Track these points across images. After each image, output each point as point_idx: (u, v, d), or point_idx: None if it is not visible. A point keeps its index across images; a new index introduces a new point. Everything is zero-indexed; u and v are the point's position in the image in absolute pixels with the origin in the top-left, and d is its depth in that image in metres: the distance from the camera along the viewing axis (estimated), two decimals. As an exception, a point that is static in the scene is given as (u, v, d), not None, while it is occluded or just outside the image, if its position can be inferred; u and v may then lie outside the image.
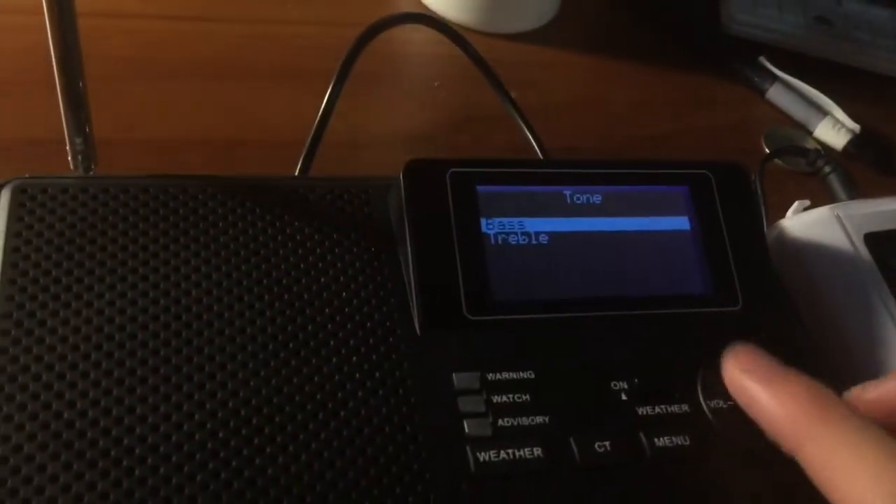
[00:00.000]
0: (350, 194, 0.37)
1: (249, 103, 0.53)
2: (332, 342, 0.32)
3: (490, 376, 0.32)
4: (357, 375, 0.31)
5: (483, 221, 0.35)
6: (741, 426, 0.32)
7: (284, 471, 0.28)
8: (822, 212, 0.42)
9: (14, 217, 0.33)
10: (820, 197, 0.46)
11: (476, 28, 0.62)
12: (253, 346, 0.31)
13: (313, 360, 0.31)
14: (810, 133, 0.61)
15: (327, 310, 0.33)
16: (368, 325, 0.33)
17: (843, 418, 0.27)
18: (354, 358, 0.32)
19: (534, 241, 0.35)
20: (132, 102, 0.51)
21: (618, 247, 0.36)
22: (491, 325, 0.33)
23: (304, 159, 0.45)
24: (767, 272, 0.37)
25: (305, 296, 0.33)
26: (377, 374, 0.31)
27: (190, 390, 0.30)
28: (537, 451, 0.30)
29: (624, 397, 0.33)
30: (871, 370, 0.37)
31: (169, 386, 0.30)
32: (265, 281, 0.33)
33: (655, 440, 0.32)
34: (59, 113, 0.36)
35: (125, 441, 0.28)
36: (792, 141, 0.60)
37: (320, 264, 0.34)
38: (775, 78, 0.63)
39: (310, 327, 0.32)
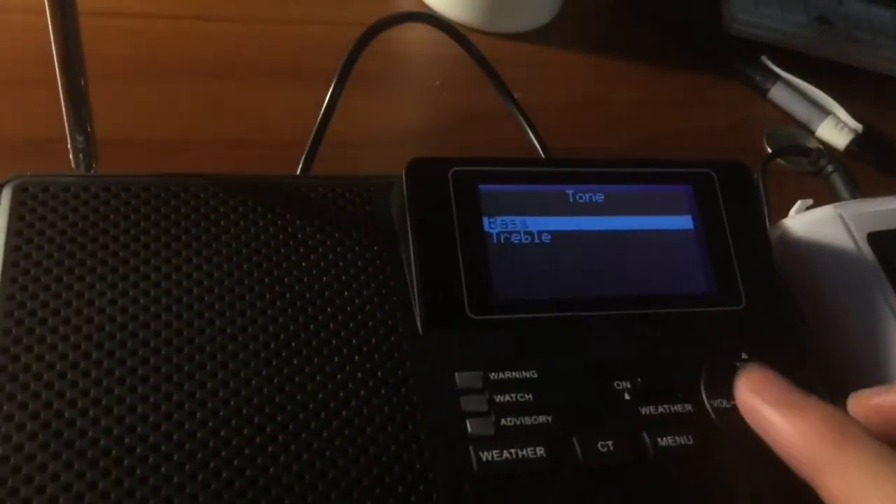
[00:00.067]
0: (352, 193, 0.36)
1: (251, 103, 0.53)
2: (334, 341, 0.32)
3: (493, 376, 0.32)
4: (359, 374, 0.31)
5: (485, 220, 0.35)
6: (744, 426, 0.32)
7: (286, 470, 0.28)
8: (825, 211, 0.42)
9: (15, 215, 0.32)
10: (822, 196, 0.46)
11: (477, 27, 0.62)
12: (255, 345, 0.31)
13: (315, 359, 0.31)
14: (812, 133, 0.61)
15: (329, 309, 0.33)
16: (370, 324, 0.33)
17: (861, 445, 0.26)
18: (356, 357, 0.32)
19: (536, 241, 0.35)
20: (133, 102, 0.50)
21: (620, 246, 0.36)
22: (493, 325, 0.33)
23: (305, 159, 0.45)
24: (771, 271, 0.37)
25: (307, 295, 0.33)
26: (379, 373, 0.31)
27: (192, 389, 0.29)
28: (540, 451, 0.30)
29: (627, 397, 0.33)
30: (874, 369, 0.37)
31: (170, 384, 0.29)
32: (267, 280, 0.33)
33: (658, 440, 0.32)
34: (61, 111, 0.36)
35: (126, 440, 0.28)
36: (794, 140, 0.60)
37: (322, 263, 0.34)
38: (777, 77, 0.63)
39: (312, 326, 0.32)
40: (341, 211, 0.36)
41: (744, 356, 0.35)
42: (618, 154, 0.55)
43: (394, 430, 0.30)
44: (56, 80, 0.35)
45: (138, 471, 0.27)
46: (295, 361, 0.31)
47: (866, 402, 0.31)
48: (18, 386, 0.28)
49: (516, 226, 0.35)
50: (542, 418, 0.31)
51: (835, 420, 0.28)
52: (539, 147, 0.49)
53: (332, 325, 0.32)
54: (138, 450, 0.28)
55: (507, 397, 0.32)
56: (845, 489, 0.26)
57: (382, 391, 0.31)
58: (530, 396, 0.32)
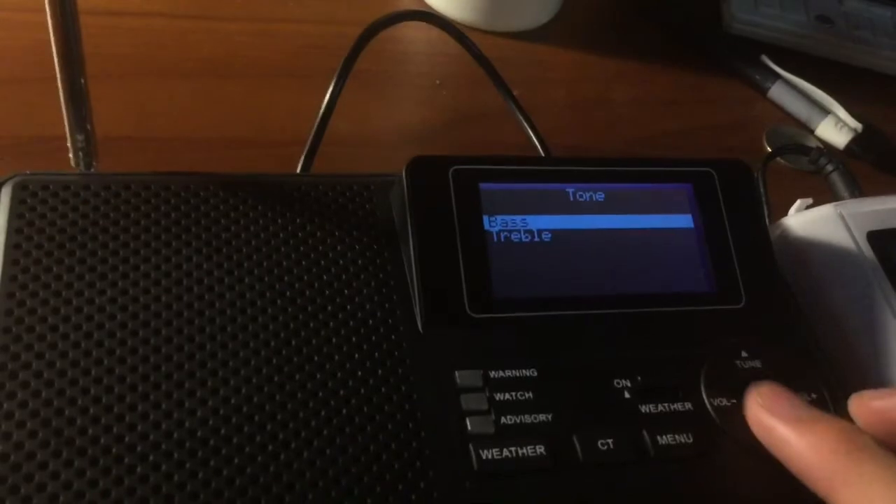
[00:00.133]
0: (352, 192, 0.36)
1: (251, 101, 0.53)
2: (334, 339, 0.32)
3: (493, 374, 0.32)
4: (359, 373, 0.31)
5: (486, 219, 0.35)
6: (744, 424, 0.32)
7: (287, 468, 0.28)
8: (825, 210, 0.42)
9: (15, 213, 0.32)
10: (822, 195, 0.46)
11: (477, 26, 0.62)
12: (255, 343, 0.31)
13: (316, 358, 0.31)
14: (812, 132, 0.61)
15: (330, 307, 0.33)
16: (371, 322, 0.33)
17: (873, 457, 0.26)
18: (357, 355, 0.32)
19: (536, 239, 0.35)
20: (133, 100, 0.50)
21: (621, 244, 0.36)
22: (493, 323, 0.33)
23: (305, 157, 0.45)
24: (771, 270, 0.37)
25: (308, 293, 0.33)
26: (380, 372, 0.31)
27: (192, 387, 0.29)
28: (540, 449, 0.30)
29: (627, 395, 0.33)
30: (874, 368, 0.37)
31: (171, 382, 0.29)
32: (267, 278, 0.33)
33: (658, 438, 0.32)
34: (61, 110, 0.36)
35: (127, 438, 0.28)
36: (794, 139, 0.60)
37: (322, 261, 0.34)
38: (777, 76, 0.63)
39: (312, 324, 0.32)
40: (342, 209, 0.36)
41: (744, 354, 0.35)
42: (618, 153, 0.55)
43: (394, 428, 0.30)
44: (56, 78, 0.35)
45: (139, 469, 0.27)
46: (295, 359, 0.31)
47: (868, 405, 0.31)
48: (18, 384, 0.28)
49: (517, 224, 0.35)
50: (542, 417, 0.31)
51: (846, 433, 0.27)
52: (539, 146, 0.49)
53: (332, 323, 0.32)
54: (139, 448, 0.28)
55: (508, 396, 0.32)
56: (859, 502, 0.26)
57: (383, 389, 0.31)
58: (530, 395, 0.32)
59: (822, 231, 0.41)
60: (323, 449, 0.29)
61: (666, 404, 0.33)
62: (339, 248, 0.34)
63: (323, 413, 0.30)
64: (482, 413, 0.31)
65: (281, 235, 0.34)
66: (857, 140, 0.59)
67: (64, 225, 0.32)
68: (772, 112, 0.63)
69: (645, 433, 0.32)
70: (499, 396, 0.31)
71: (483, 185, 0.35)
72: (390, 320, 0.33)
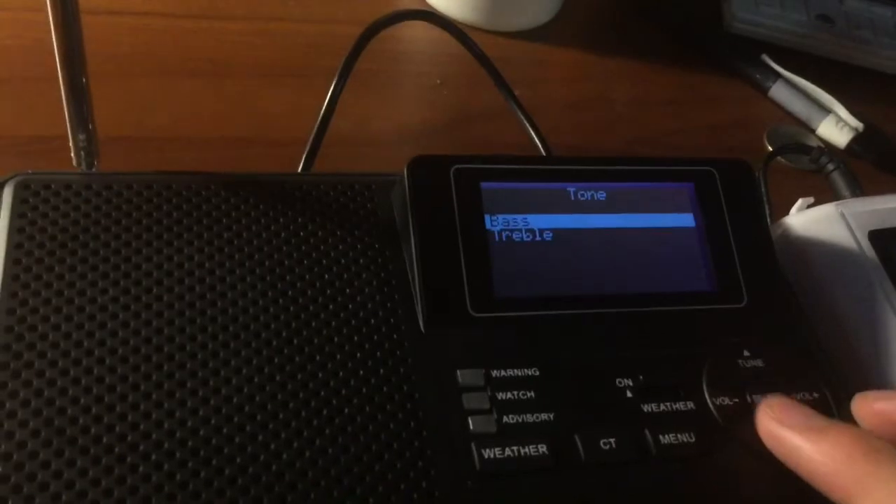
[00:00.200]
0: (354, 191, 0.36)
1: (252, 101, 0.53)
2: (336, 338, 0.32)
3: (494, 373, 0.32)
4: (361, 372, 0.31)
5: (487, 218, 0.35)
6: (746, 423, 0.32)
7: (289, 467, 0.28)
8: (827, 209, 0.42)
9: (17, 213, 0.32)
10: (823, 195, 0.46)
11: (477, 25, 0.62)
12: (257, 343, 0.31)
13: (317, 357, 0.31)
14: (813, 131, 0.61)
15: (331, 306, 0.33)
16: (372, 321, 0.33)
17: (889, 461, 0.26)
18: (358, 354, 0.32)
19: (538, 238, 0.35)
20: (135, 100, 0.50)
21: (622, 244, 0.36)
22: (495, 322, 0.33)
23: (306, 157, 0.45)
24: (772, 269, 0.37)
25: (309, 292, 0.33)
26: (381, 371, 0.31)
27: (194, 386, 0.29)
28: (542, 448, 0.30)
29: (629, 394, 0.33)
30: (875, 368, 0.37)
31: (173, 382, 0.29)
32: (269, 277, 0.33)
33: (661, 437, 0.32)
34: (62, 109, 0.36)
35: (129, 437, 0.28)
36: (795, 139, 0.60)
37: (324, 261, 0.34)
38: (778, 76, 0.63)
39: (314, 323, 0.32)
40: (343, 208, 0.36)
41: (746, 354, 0.35)
42: (618, 152, 0.55)
43: (396, 427, 0.30)
44: (57, 77, 0.35)
45: (141, 468, 0.27)
46: (297, 359, 0.31)
47: (871, 406, 0.31)
48: (21, 383, 0.28)
49: (518, 223, 0.35)
50: (544, 416, 0.31)
51: (860, 439, 0.27)
52: (540, 145, 0.49)
53: (334, 322, 0.32)
54: (141, 447, 0.28)
55: (509, 395, 0.32)
56: None
57: (384, 388, 0.31)
58: (532, 394, 0.32)
59: (823, 230, 0.41)
60: (325, 448, 0.29)
61: (668, 404, 0.33)
62: (340, 247, 0.34)
63: (325, 412, 0.30)
64: (484, 412, 0.31)
65: (282, 235, 0.34)
66: (857, 139, 0.59)
67: (66, 224, 0.32)
68: (772, 111, 0.63)
69: (647, 432, 0.32)
70: (501, 396, 0.31)
71: (484, 185, 0.35)
72: (392, 319, 0.33)
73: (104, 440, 0.28)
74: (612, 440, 0.31)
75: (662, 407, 0.33)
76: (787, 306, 0.37)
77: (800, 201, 0.45)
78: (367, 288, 0.34)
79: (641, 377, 0.33)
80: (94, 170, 0.38)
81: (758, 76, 0.64)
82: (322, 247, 0.34)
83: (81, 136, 0.37)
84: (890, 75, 0.68)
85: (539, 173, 0.37)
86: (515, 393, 0.32)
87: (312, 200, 0.36)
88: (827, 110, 0.61)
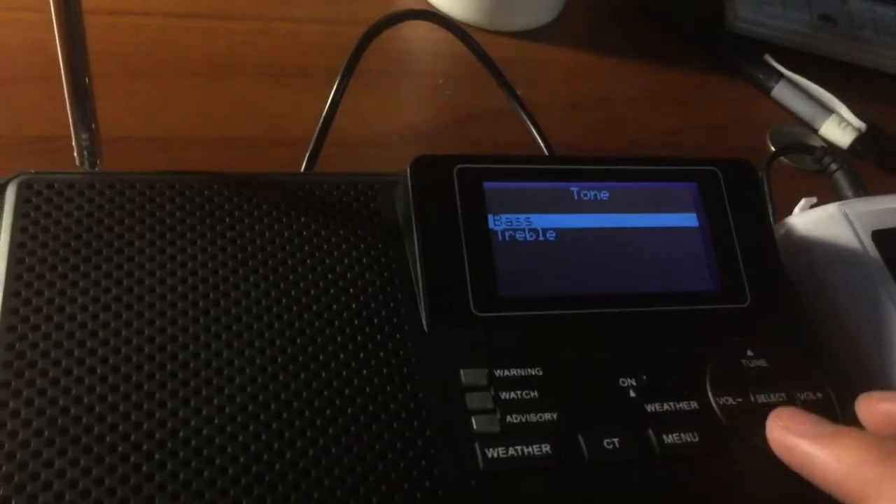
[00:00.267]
0: (356, 190, 0.36)
1: (254, 101, 0.53)
2: (339, 338, 0.32)
3: (498, 373, 0.32)
4: (364, 372, 0.31)
5: (490, 218, 0.35)
6: (750, 423, 0.32)
7: (293, 466, 0.28)
8: (830, 209, 0.42)
9: (20, 212, 0.32)
10: (826, 195, 0.46)
11: (480, 25, 0.61)
12: (260, 342, 0.31)
13: (321, 357, 0.31)
14: (816, 131, 0.61)
15: (334, 306, 0.33)
16: (376, 321, 0.33)
17: None
18: (362, 354, 0.32)
19: (541, 238, 0.35)
20: (137, 100, 0.50)
21: (625, 243, 0.36)
22: (498, 322, 0.33)
23: (309, 157, 0.45)
24: (776, 269, 0.37)
25: (312, 292, 0.33)
26: (385, 371, 0.31)
27: (197, 386, 0.29)
28: (546, 448, 0.30)
29: (632, 394, 0.33)
30: (878, 367, 0.37)
31: (176, 381, 0.29)
32: (272, 277, 0.33)
33: (664, 437, 0.32)
34: (65, 109, 0.36)
35: (133, 436, 0.28)
36: (797, 139, 0.60)
37: (327, 260, 0.34)
38: (780, 76, 0.63)
39: (317, 323, 0.32)
40: (346, 208, 0.36)
41: (749, 353, 0.35)
42: (621, 152, 0.55)
43: (399, 427, 0.30)
44: (60, 77, 0.35)
45: (144, 467, 0.27)
46: (300, 358, 0.31)
47: (875, 407, 0.31)
48: (24, 382, 0.28)
49: (521, 223, 0.35)
50: (547, 415, 0.31)
51: (871, 443, 0.27)
52: (543, 145, 0.49)
53: (337, 322, 0.32)
54: (144, 446, 0.28)
55: (513, 394, 0.32)
56: None
57: (388, 388, 0.31)
58: (536, 394, 0.32)
59: (826, 230, 0.41)
60: (328, 447, 0.29)
61: (671, 403, 0.33)
62: (343, 246, 0.34)
63: (328, 411, 0.30)
64: (487, 412, 0.31)
65: (285, 234, 0.34)
66: (860, 139, 0.59)
67: (69, 224, 0.32)
68: (775, 111, 0.63)
69: (650, 432, 0.32)
70: (504, 395, 0.31)
71: (487, 184, 0.35)
72: (395, 319, 0.33)
73: (107, 439, 0.28)
74: (615, 440, 0.31)
75: (666, 407, 0.33)
76: (791, 306, 0.37)
77: (803, 201, 0.45)
78: (371, 287, 0.34)
79: (645, 377, 0.33)
80: (96, 169, 0.38)
81: (760, 76, 0.63)
82: (325, 246, 0.34)
83: (84, 136, 0.37)
84: (892, 75, 0.68)
85: (542, 173, 0.37)
86: (519, 392, 0.32)
87: (315, 200, 0.36)
88: (830, 110, 0.61)
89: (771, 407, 0.32)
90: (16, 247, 0.31)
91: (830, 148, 0.59)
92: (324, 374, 0.31)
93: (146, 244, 0.33)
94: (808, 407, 0.33)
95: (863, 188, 0.51)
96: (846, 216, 0.41)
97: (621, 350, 0.34)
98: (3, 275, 0.31)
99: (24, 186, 0.33)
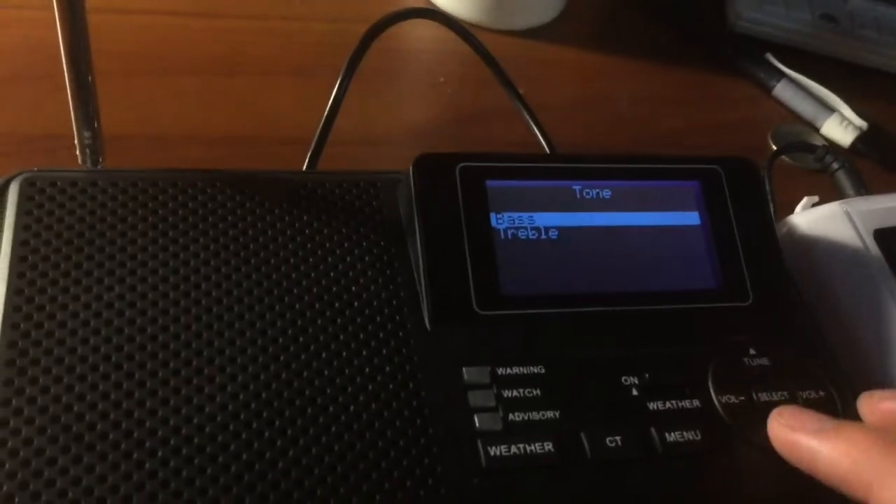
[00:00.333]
0: (359, 189, 0.36)
1: (257, 99, 0.53)
2: (341, 336, 0.32)
3: (500, 371, 0.32)
4: (367, 370, 0.31)
5: (493, 216, 0.35)
6: (752, 421, 0.32)
7: (295, 464, 0.28)
8: (832, 208, 0.42)
9: (23, 210, 0.32)
10: (827, 194, 0.46)
11: (482, 24, 0.61)
12: (263, 340, 0.31)
13: (323, 354, 0.31)
14: (817, 130, 0.61)
15: (337, 304, 0.33)
16: (378, 319, 0.33)
17: None
18: (364, 352, 0.32)
19: (543, 236, 0.35)
20: (139, 98, 0.50)
21: (628, 242, 0.36)
22: (501, 320, 0.33)
23: (311, 155, 0.45)
24: (778, 267, 0.37)
25: (315, 290, 0.33)
26: (387, 369, 0.31)
27: (200, 383, 0.29)
28: (548, 446, 0.30)
29: (634, 392, 0.33)
30: (880, 366, 0.37)
31: (179, 379, 0.29)
32: (274, 275, 0.33)
33: (666, 435, 0.32)
34: (67, 107, 0.36)
35: (135, 434, 0.28)
36: (799, 138, 0.60)
37: (330, 258, 0.34)
38: (782, 75, 0.63)
39: (320, 321, 0.32)
40: (348, 207, 0.36)
41: (751, 352, 0.35)
42: (622, 151, 0.55)
43: (402, 424, 0.30)
44: (62, 75, 0.35)
45: (147, 465, 0.27)
46: (303, 356, 0.31)
47: (877, 405, 0.31)
48: (27, 379, 0.28)
49: (523, 221, 0.35)
50: (549, 413, 0.31)
51: (874, 434, 0.27)
52: (545, 144, 0.49)
53: (339, 320, 0.32)
54: (147, 444, 0.28)
55: (515, 392, 0.32)
56: None
57: (390, 386, 0.31)
58: (538, 392, 0.32)
59: (828, 229, 0.41)
60: (331, 445, 0.29)
61: (674, 401, 0.33)
62: (345, 245, 0.34)
63: (331, 409, 0.30)
64: (490, 410, 0.31)
65: (288, 232, 0.34)
66: (862, 138, 0.59)
67: (72, 221, 0.33)
68: (776, 111, 0.63)
69: (653, 430, 0.32)
70: (506, 393, 0.31)
71: (490, 183, 0.35)
72: (397, 317, 0.33)
73: (110, 436, 0.28)
74: (617, 438, 0.31)
75: (668, 405, 0.33)
76: (793, 305, 0.37)
77: (804, 200, 0.45)
78: (373, 285, 0.34)
79: (647, 375, 0.33)
80: (99, 167, 0.38)
81: (762, 75, 0.63)
82: (327, 244, 0.34)
83: (87, 134, 0.37)
84: (894, 74, 0.68)
85: (544, 171, 0.37)
86: (521, 391, 0.32)
87: (317, 198, 0.36)
88: (831, 109, 0.61)
89: (773, 405, 0.32)
90: (19, 244, 0.32)
91: (832, 147, 0.58)
92: (326, 372, 0.31)
93: (148, 242, 0.33)
94: (811, 405, 0.33)
95: (864, 187, 0.51)
96: (848, 215, 0.41)
97: (623, 348, 0.34)
98: (6, 272, 0.31)
99: (27, 184, 0.33)
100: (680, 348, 0.34)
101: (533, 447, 0.30)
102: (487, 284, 0.33)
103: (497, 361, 0.32)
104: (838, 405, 0.34)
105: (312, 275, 0.33)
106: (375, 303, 0.33)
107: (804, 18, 0.67)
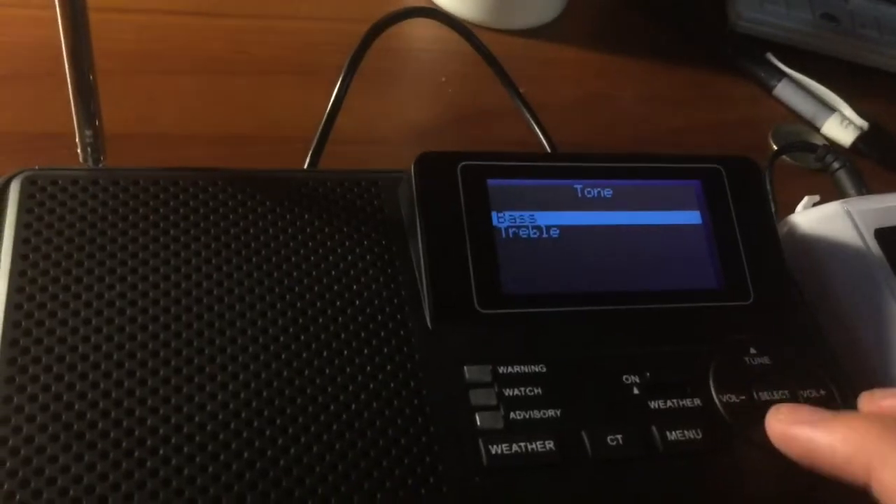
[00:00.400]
0: (360, 188, 0.36)
1: (258, 98, 0.53)
2: (343, 335, 0.32)
3: (501, 369, 0.32)
4: (368, 368, 0.31)
5: (494, 215, 0.35)
6: (753, 420, 0.32)
7: (297, 462, 0.28)
8: (833, 207, 0.42)
9: (24, 208, 0.32)
10: (828, 193, 0.46)
11: (483, 23, 0.61)
12: (264, 338, 0.31)
13: (325, 353, 0.31)
14: (818, 130, 0.61)
15: (338, 303, 0.33)
16: (380, 318, 0.33)
17: None
18: (366, 351, 0.32)
19: (545, 235, 0.35)
20: (140, 97, 0.50)
21: (629, 241, 0.36)
22: (502, 319, 0.33)
23: (312, 154, 0.45)
24: (779, 267, 0.37)
25: (316, 289, 0.33)
26: (388, 367, 0.31)
27: (201, 381, 0.29)
28: (549, 445, 0.30)
29: (636, 391, 0.33)
30: (880, 365, 0.37)
31: (180, 378, 0.29)
32: (276, 273, 0.33)
33: (667, 434, 0.32)
34: (69, 106, 0.36)
35: (137, 432, 0.28)
36: (799, 137, 0.60)
37: (331, 257, 0.34)
38: (783, 74, 0.63)
39: (321, 320, 0.32)
40: (350, 205, 0.36)
41: (752, 351, 0.35)
42: (624, 150, 0.55)
43: (403, 423, 0.30)
44: (63, 74, 0.35)
45: (148, 463, 0.27)
46: (304, 355, 0.31)
47: (878, 404, 0.31)
48: (28, 378, 0.28)
49: (525, 220, 0.35)
50: (551, 412, 0.31)
51: (871, 419, 0.28)
52: (545, 143, 0.49)
53: (341, 318, 0.32)
54: (148, 442, 0.28)
55: (516, 391, 0.32)
56: None
57: (392, 385, 0.31)
58: (539, 390, 0.32)
59: (829, 228, 0.41)
60: (332, 444, 0.29)
61: (675, 400, 0.33)
62: (347, 244, 0.34)
63: (332, 408, 0.30)
64: (491, 408, 0.31)
65: (289, 231, 0.34)
66: (862, 138, 0.59)
67: (73, 220, 0.33)
68: (777, 110, 0.63)
69: (654, 429, 0.32)
70: (508, 392, 0.31)
71: (491, 182, 0.35)
72: (399, 316, 0.33)
73: (111, 435, 0.28)
74: (619, 436, 0.31)
75: (669, 404, 0.33)
76: (794, 304, 0.37)
77: (805, 199, 0.45)
78: (374, 284, 0.34)
79: (648, 374, 0.33)
80: (100, 166, 0.38)
81: (763, 74, 0.63)
82: (328, 243, 0.34)
83: (88, 133, 0.37)
84: (894, 74, 0.68)
85: (546, 170, 0.37)
86: (522, 389, 0.32)
87: (319, 197, 0.36)
88: (832, 109, 0.61)
89: (774, 404, 0.32)
90: (20, 243, 0.32)
91: (832, 146, 0.58)
92: (328, 371, 0.31)
93: (150, 240, 0.33)
94: (811, 404, 0.33)
95: (865, 186, 0.51)
96: (849, 214, 0.41)
97: (625, 347, 0.34)
98: (8, 271, 0.31)
99: (28, 183, 0.33)
100: (681, 347, 0.34)
101: (534, 446, 0.30)
102: (489, 283, 0.34)
103: (498, 360, 0.32)
104: (839, 404, 0.34)
105: (314, 273, 0.33)
106: (377, 301, 0.33)
107: (805, 18, 0.67)
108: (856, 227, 0.41)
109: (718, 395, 0.33)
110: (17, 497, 0.26)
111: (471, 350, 0.32)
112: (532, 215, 0.35)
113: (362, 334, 0.32)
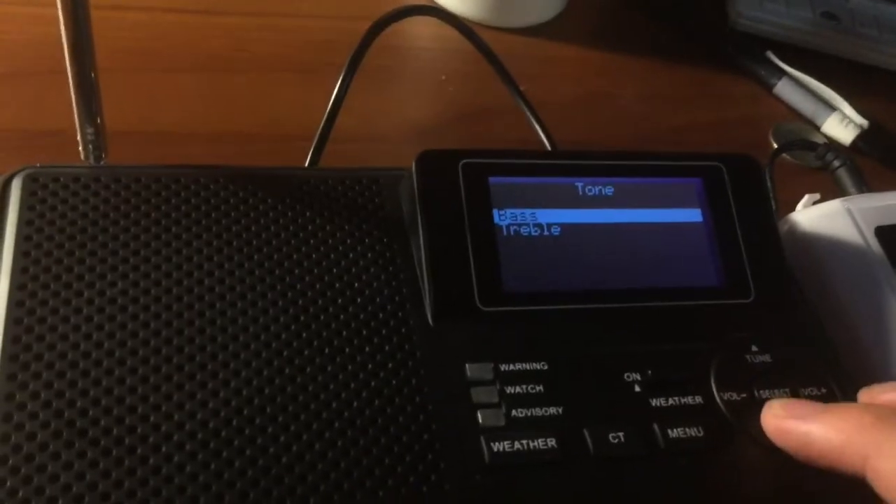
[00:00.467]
0: (361, 185, 0.36)
1: (258, 96, 0.52)
2: (344, 333, 0.32)
3: (503, 367, 0.32)
4: (370, 366, 0.31)
5: (495, 213, 0.35)
6: (754, 418, 0.32)
7: (299, 459, 0.28)
8: (833, 205, 0.42)
9: (25, 206, 0.32)
10: (829, 192, 0.46)
11: (484, 21, 0.61)
12: (265, 336, 0.31)
13: (326, 351, 0.31)
14: (818, 128, 0.61)
15: (339, 300, 0.33)
16: (381, 315, 0.33)
17: None
18: (367, 348, 0.32)
19: (546, 233, 0.35)
20: (141, 94, 0.50)
21: (630, 238, 0.36)
22: (503, 316, 0.33)
23: (312, 152, 0.45)
24: (780, 264, 0.37)
25: (317, 286, 0.33)
26: (390, 365, 0.31)
27: (203, 379, 0.29)
28: (551, 442, 0.30)
29: (637, 389, 0.33)
30: (880, 363, 0.37)
31: (182, 375, 0.29)
32: (277, 271, 0.33)
33: (669, 431, 0.32)
34: (69, 103, 0.36)
35: (139, 429, 0.28)
36: (800, 136, 0.60)
37: (332, 255, 0.34)
38: (783, 73, 0.63)
39: (322, 318, 0.32)
40: (351, 203, 0.36)
41: (753, 349, 0.35)
42: (624, 148, 0.55)
43: (405, 421, 0.30)
44: (64, 71, 0.35)
45: (151, 460, 0.27)
46: (306, 352, 0.31)
47: (877, 398, 0.31)
48: (30, 374, 0.28)
49: (526, 218, 0.35)
50: (552, 410, 0.31)
51: (866, 408, 0.28)
52: (546, 141, 0.49)
53: (342, 316, 0.32)
54: (151, 439, 0.28)
55: (518, 388, 0.32)
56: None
57: (393, 382, 0.31)
58: (541, 388, 0.32)
59: (830, 226, 0.41)
60: (334, 440, 0.29)
61: (676, 398, 0.33)
62: (348, 241, 0.34)
63: (334, 405, 0.30)
64: (493, 406, 0.31)
65: (290, 229, 0.34)
66: (862, 136, 0.59)
67: (74, 217, 0.33)
68: (777, 108, 0.63)
69: (655, 426, 0.32)
70: (509, 389, 0.31)
71: (492, 179, 0.35)
72: (400, 313, 0.33)
73: (114, 432, 0.28)
74: (620, 434, 0.31)
75: (670, 401, 0.33)
76: (794, 302, 0.37)
77: (806, 197, 0.45)
78: (375, 282, 0.34)
79: (650, 372, 0.33)
80: (102, 163, 0.38)
81: (763, 73, 0.63)
82: (330, 241, 0.34)
83: (89, 130, 0.37)
84: (894, 72, 0.68)
85: (547, 168, 0.37)
86: (524, 387, 0.32)
87: (320, 195, 0.36)
88: (832, 107, 0.61)
89: None
90: (22, 240, 0.32)
91: (833, 145, 0.59)
92: (329, 368, 0.31)
93: (151, 237, 0.33)
94: (812, 402, 0.33)
95: (865, 185, 0.51)
96: (849, 212, 0.41)
97: (626, 345, 0.34)
98: (9, 268, 0.31)
99: (30, 180, 0.33)
100: (682, 345, 0.34)
101: (536, 443, 0.30)
102: (490, 281, 0.34)
103: (500, 358, 0.32)
104: (840, 401, 0.34)
105: (315, 271, 0.33)
106: (378, 299, 0.33)
107: (805, 16, 0.67)
108: (856, 225, 0.41)
109: (720, 392, 0.33)
110: (20, 494, 0.26)
111: (472, 348, 0.32)
112: (533, 213, 0.35)
113: (364, 332, 0.32)
